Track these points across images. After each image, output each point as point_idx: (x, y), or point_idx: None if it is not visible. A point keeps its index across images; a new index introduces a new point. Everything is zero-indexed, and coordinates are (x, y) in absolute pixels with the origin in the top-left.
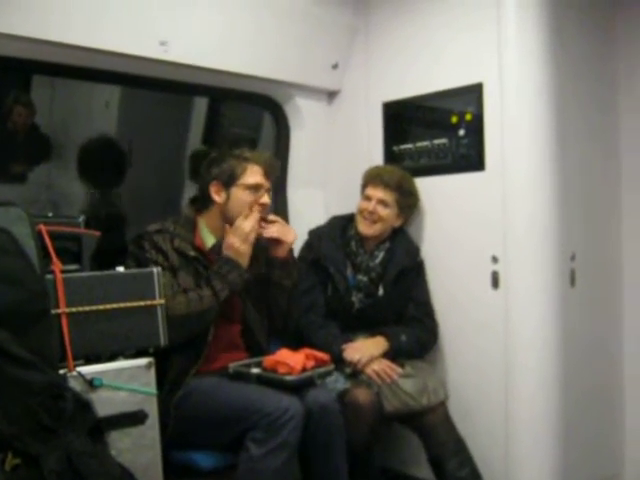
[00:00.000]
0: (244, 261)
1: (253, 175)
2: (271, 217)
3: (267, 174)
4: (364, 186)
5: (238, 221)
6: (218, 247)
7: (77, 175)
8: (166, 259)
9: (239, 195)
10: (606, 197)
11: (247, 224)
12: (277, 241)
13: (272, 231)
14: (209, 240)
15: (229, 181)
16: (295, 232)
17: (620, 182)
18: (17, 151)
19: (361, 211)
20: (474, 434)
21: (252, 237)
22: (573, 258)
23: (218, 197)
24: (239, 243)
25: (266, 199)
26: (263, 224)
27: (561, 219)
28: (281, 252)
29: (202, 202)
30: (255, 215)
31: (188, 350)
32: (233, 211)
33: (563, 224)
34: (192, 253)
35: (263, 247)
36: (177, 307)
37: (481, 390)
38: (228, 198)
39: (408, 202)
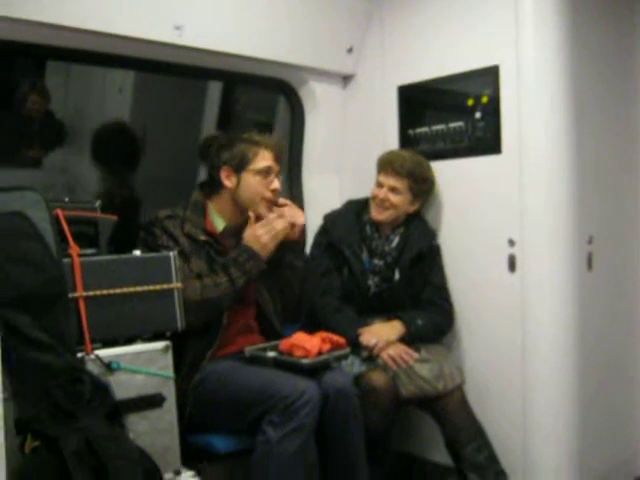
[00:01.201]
0: (265, 255)
1: (264, 159)
2: (281, 200)
3: (277, 157)
4: (377, 172)
5: (272, 217)
6: (229, 231)
7: (92, 160)
8: (177, 244)
9: (250, 180)
10: (623, 180)
11: (280, 223)
12: (290, 224)
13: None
14: (219, 224)
15: (240, 166)
16: (303, 213)
17: (638, 165)
18: (32, 137)
19: (373, 197)
20: (491, 418)
21: (280, 238)
22: (590, 241)
23: (229, 182)
24: (267, 238)
25: (277, 184)
26: (274, 208)
27: (578, 202)
28: (292, 235)
29: (212, 187)
30: (288, 218)
31: (204, 334)
32: (244, 196)
33: (580, 207)
34: (203, 237)
35: None
36: (191, 293)
37: (498, 374)
38: (239, 183)
39: (422, 188)
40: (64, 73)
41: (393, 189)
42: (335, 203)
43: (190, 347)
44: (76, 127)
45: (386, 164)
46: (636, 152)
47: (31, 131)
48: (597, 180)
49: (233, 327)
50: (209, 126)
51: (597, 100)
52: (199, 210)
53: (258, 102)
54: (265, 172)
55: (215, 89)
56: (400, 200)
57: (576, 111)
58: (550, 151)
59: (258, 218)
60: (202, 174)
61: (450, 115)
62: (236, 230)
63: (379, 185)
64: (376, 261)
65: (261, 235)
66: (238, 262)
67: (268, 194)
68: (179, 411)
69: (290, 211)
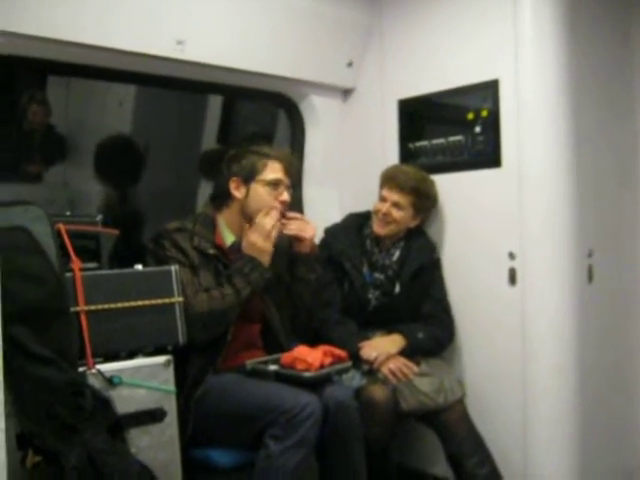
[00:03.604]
0: (266, 259)
1: (274, 171)
2: (290, 214)
3: (287, 171)
4: (381, 186)
5: (259, 218)
6: (237, 245)
7: (93, 174)
8: (186, 257)
9: (259, 191)
10: (623, 193)
11: (268, 221)
12: (298, 238)
13: (291, 228)
14: (229, 238)
15: (249, 177)
16: (315, 227)
17: (637, 178)
18: (34, 151)
19: (376, 212)
20: (492, 431)
21: (274, 235)
22: (590, 254)
23: (238, 193)
24: (261, 241)
25: (286, 196)
26: (283, 221)
27: (578, 215)
28: (303, 248)
29: (221, 199)
30: (276, 212)
31: (207, 349)
32: (253, 207)
33: (580, 220)
34: (212, 251)
35: (284, 246)
36: (199, 305)
37: (499, 387)
38: (248, 194)
39: (425, 204)
40: (65, 87)
41: (396, 204)
42: (335, 216)
43: (193, 362)
44: (77, 141)
45: (390, 179)
46: (635, 165)
47: (32, 145)
48: (596, 193)
49: (236, 343)
50: (210, 140)
51: (596, 113)
52: (208, 224)
53: (259, 115)
54: (274, 184)
55: (216, 103)
56: (402, 215)
57: (575, 124)
58: (550, 164)
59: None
60: (203, 187)
61: (450, 129)
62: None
63: (382, 199)
64: (377, 275)
65: (255, 240)
66: (243, 272)
67: (277, 207)
68: (181, 425)
69: (300, 224)
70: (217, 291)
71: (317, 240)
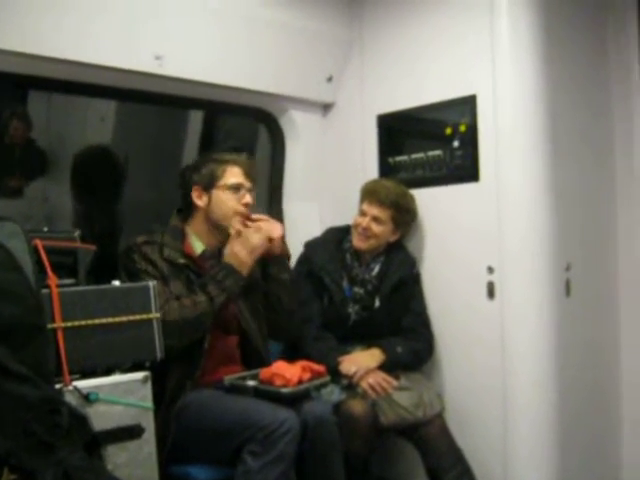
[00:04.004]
0: (245, 271)
1: (233, 175)
2: (255, 216)
3: (247, 174)
4: (361, 200)
5: (247, 232)
6: (209, 254)
7: (71, 187)
8: (156, 269)
9: (221, 196)
10: (601, 207)
11: (256, 237)
12: (267, 239)
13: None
14: (198, 247)
15: (209, 184)
16: (281, 227)
17: (615, 191)
18: (13, 166)
19: (356, 226)
20: (472, 445)
21: (259, 252)
22: (568, 268)
23: (200, 201)
24: (245, 254)
25: (248, 199)
26: (249, 223)
27: (556, 229)
28: (273, 249)
29: (186, 210)
30: (265, 232)
31: (184, 362)
32: (217, 213)
33: (558, 234)
34: (182, 260)
35: None
36: (170, 313)
37: (478, 401)
38: (210, 201)
39: (405, 219)
40: (46, 102)
41: (376, 219)
42: (315, 230)
43: (171, 376)
44: (58, 156)
45: (370, 193)
46: (614, 180)
47: (12, 160)
48: (575, 207)
49: (214, 356)
50: (191, 154)
51: (574, 127)
52: (177, 234)
53: (239, 130)
54: (235, 188)
55: (197, 118)
56: (382, 230)
57: (553, 138)
58: (528, 179)
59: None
60: None
61: (429, 143)
62: (214, 252)
63: (362, 214)
64: (356, 289)
65: (239, 251)
66: (216, 279)
67: (240, 208)
68: (160, 442)
69: (267, 225)
70: (188, 299)
71: (297, 254)
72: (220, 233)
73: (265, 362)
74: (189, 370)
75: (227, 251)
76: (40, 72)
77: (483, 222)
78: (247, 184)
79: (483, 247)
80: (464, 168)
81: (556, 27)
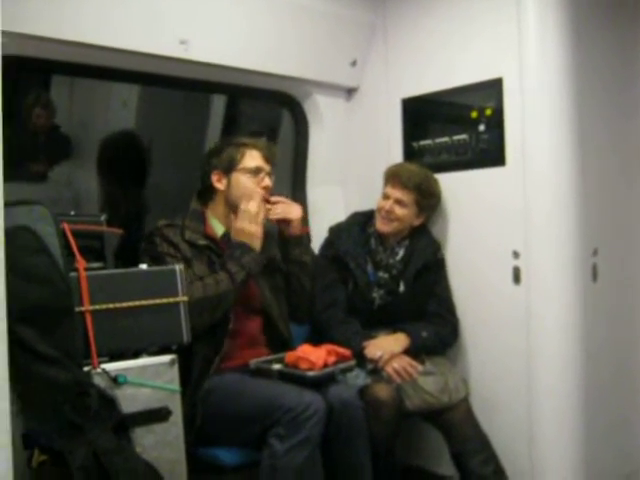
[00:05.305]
0: (256, 243)
1: (252, 159)
2: (274, 198)
3: (266, 158)
4: (384, 184)
5: (242, 205)
6: (229, 236)
7: (97, 173)
8: (178, 251)
9: (240, 179)
10: (627, 191)
11: (252, 205)
12: (285, 221)
13: (277, 212)
14: (219, 229)
15: (229, 167)
16: (300, 208)
17: None
18: (38, 151)
19: (379, 209)
20: (497, 429)
21: (260, 217)
22: (595, 253)
23: (220, 184)
24: (247, 225)
25: (268, 182)
26: (268, 206)
27: (582, 214)
28: (292, 230)
29: (206, 194)
30: (258, 196)
31: (210, 345)
32: (236, 196)
33: (584, 219)
34: (203, 242)
35: (272, 233)
36: (194, 292)
37: (503, 386)
38: (229, 184)
39: (429, 202)
40: (69, 87)
41: (399, 202)
42: (340, 215)
43: (197, 359)
44: (81, 141)
45: (393, 176)
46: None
47: (37, 145)
48: (601, 191)
49: (239, 339)
50: (214, 139)
51: (600, 112)
52: (197, 217)
53: (263, 114)
54: (254, 171)
55: (219, 102)
56: (405, 213)
57: (579, 123)
58: (554, 163)
59: None
60: None
61: (454, 127)
62: None
63: (385, 197)
64: (381, 274)
65: (243, 226)
66: (234, 257)
67: (260, 191)
68: (189, 423)
69: (284, 207)
70: (211, 278)
71: (321, 239)
72: None
73: (289, 344)
74: (214, 351)
75: (233, 231)
76: (63, 57)
77: (509, 207)
78: (266, 167)
79: (509, 232)
80: (490, 152)
81: (584, 15)
